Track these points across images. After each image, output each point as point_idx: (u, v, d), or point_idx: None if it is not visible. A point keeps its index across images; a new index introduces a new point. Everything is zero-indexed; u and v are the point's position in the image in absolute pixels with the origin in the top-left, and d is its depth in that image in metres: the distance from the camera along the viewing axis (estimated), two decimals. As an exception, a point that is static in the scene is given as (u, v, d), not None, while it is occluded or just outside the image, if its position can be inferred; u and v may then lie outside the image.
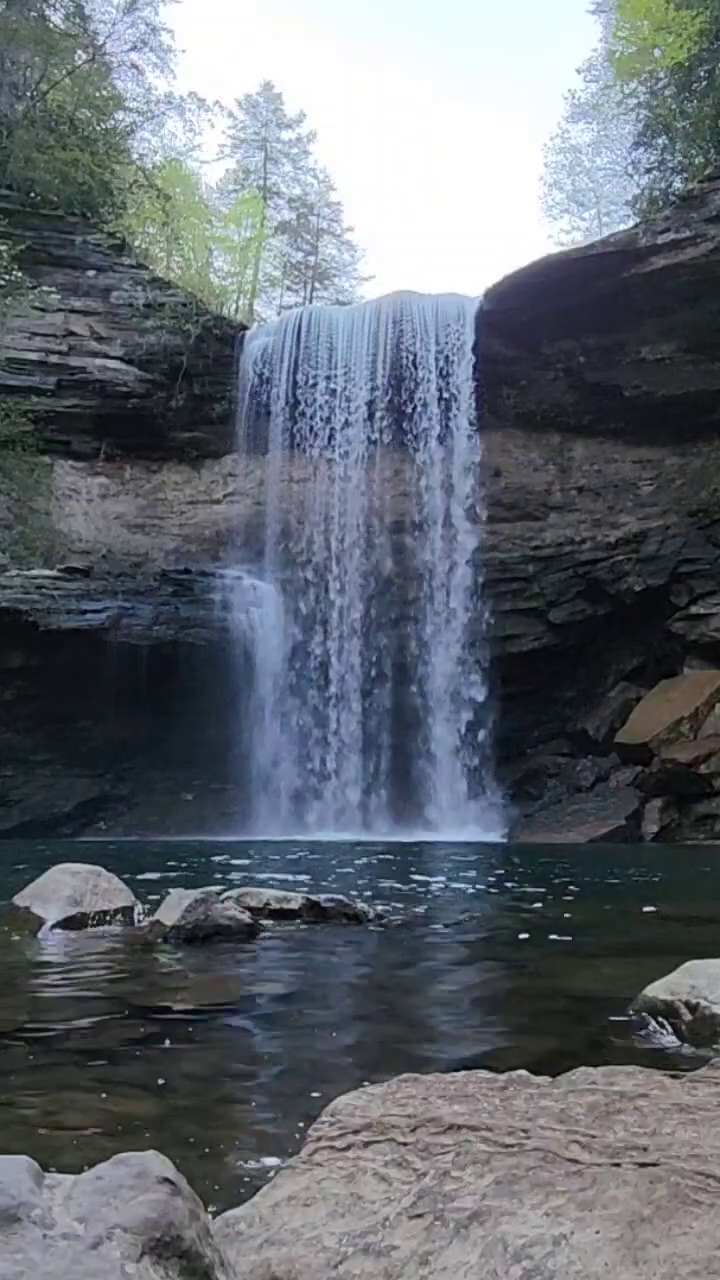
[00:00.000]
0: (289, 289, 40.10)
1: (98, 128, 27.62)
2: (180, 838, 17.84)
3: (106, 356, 23.18)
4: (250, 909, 4.72)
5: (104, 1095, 2.12)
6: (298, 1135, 1.42)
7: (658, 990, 2.70)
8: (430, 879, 8.60)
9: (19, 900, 4.71)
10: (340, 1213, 1.17)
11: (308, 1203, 1.20)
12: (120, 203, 27.00)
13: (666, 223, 20.72)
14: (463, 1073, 1.53)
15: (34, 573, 20.08)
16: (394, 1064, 2.14)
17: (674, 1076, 1.50)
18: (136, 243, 27.57)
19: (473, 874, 9.63)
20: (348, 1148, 1.29)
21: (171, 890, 4.73)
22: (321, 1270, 1.09)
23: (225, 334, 23.99)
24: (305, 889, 5.62)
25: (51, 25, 27.16)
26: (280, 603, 21.63)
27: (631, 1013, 2.75)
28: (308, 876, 8.44)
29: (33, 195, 23.79)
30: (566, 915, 5.80)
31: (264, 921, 4.70)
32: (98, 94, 28.23)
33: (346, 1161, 1.26)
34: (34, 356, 22.58)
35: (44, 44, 25.37)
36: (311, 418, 22.66)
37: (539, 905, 6.27)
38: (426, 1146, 1.26)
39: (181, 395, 23.20)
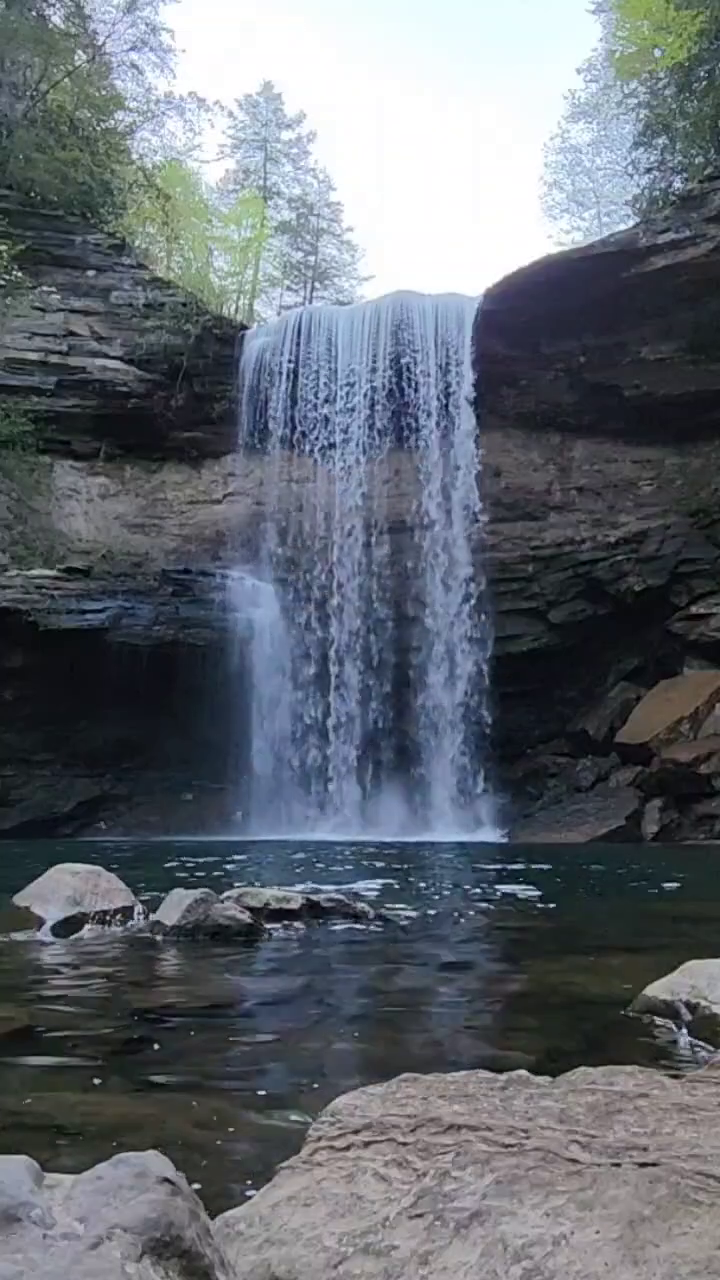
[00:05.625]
0: (289, 289, 40.12)
1: (98, 128, 27.64)
2: (180, 838, 17.84)
3: (106, 356, 23.18)
4: (250, 909, 4.72)
5: (104, 1095, 2.12)
6: (298, 1135, 1.42)
7: (658, 990, 2.70)
8: (430, 879, 8.60)
9: (19, 900, 4.71)
10: (340, 1213, 1.17)
11: (308, 1203, 1.20)
12: (120, 203, 27.02)
13: (666, 223, 20.73)
14: (463, 1073, 1.53)
15: (34, 573, 20.09)
16: (394, 1064, 2.14)
17: (674, 1076, 1.50)
18: (136, 243, 27.59)
19: (472, 874, 9.63)
20: (348, 1148, 1.29)
21: (172, 890, 4.73)
22: (321, 1270, 1.09)
23: (225, 334, 24.00)
24: (305, 889, 5.62)
25: (51, 25, 27.18)
26: (280, 603, 21.63)
27: (631, 1013, 2.75)
28: (308, 876, 8.44)
29: (33, 195, 23.80)
30: (566, 915, 5.80)
31: (264, 921, 4.69)
32: (98, 94, 28.25)
33: (346, 1161, 1.26)
34: (34, 356, 22.58)
35: (44, 44, 25.38)
36: (311, 418, 22.68)
37: (539, 905, 6.27)
38: (426, 1146, 1.26)
39: (181, 395, 23.20)
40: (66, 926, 4.51)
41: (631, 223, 23.98)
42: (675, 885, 8.60)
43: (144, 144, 31.08)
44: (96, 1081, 2.22)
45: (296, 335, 23.10)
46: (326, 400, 22.65)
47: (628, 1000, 2.81)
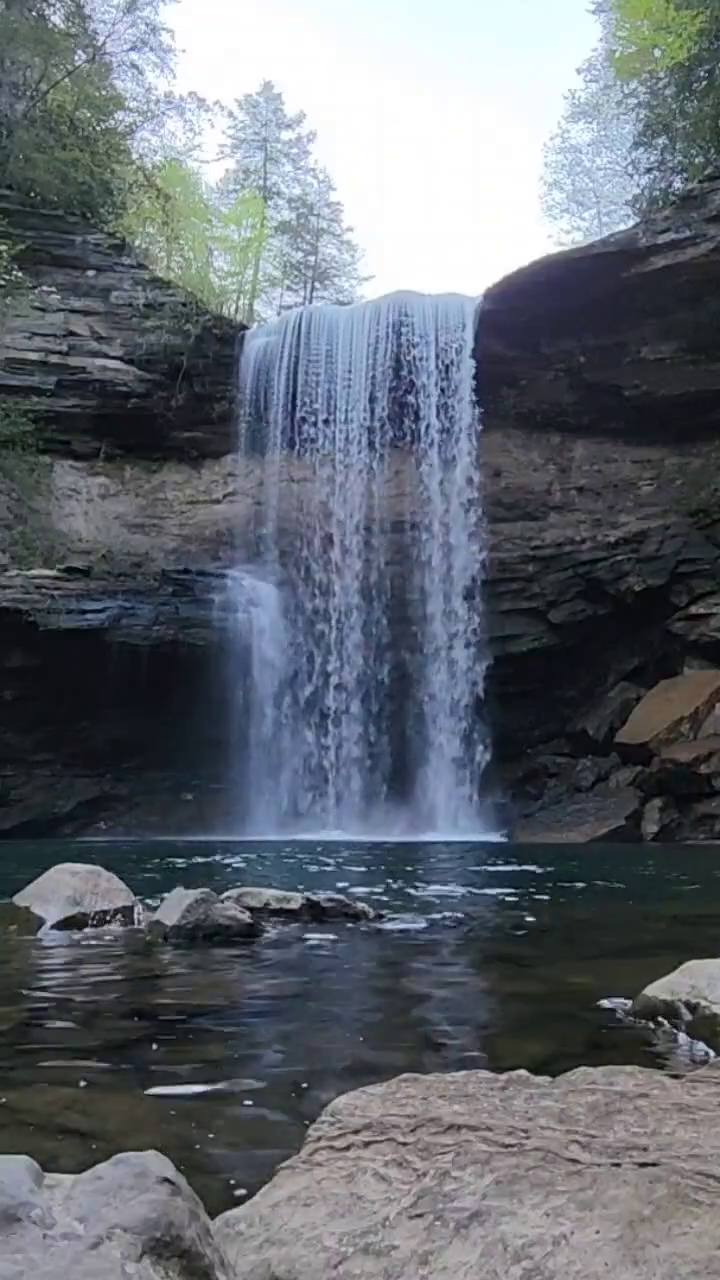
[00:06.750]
0: (289, 289, 40.12)
1: (98, 128, 27.65)
2: (180, 838, 17.84)
3: (106, 356, 23.18)
4: (250, 909, 4.72)
5: (104, 1095, 2.11)
6: (298, 1135, 1.42)
7: (658, 990, 2.70)
8: (430, 879, 8.60)
9: (19, 900, 4.71)
10: (340, 1213, 1.17)
11: (308, 1203, 1.20)
12: (120, 203, 27.03)
13: (666, 223, 20.74)
14: (463, 1073, 1.53)
15: (34, 573, 20.10)
16: (394, 1064, 2.14)
17: (674, 1076, 1.50)
18: (136, 243, 27.60)
19: (473, 874, 9.63)
20: (348, 1147, 1.29)
21: (172, 890, 4.73)
22: (321, 1270, 1.09)
23: (225, 334, 24.00)
24: (305, 889, 5.62)
25: (51, 25, 27.19)
26: (280, 603, 21.64)
27: (631, 1013, 2.75)
28: (308, 876, 8.44)
29: (33, 195, 23.81)
30: (566, 915, 5.81)
31: (264, 921, 4.69)
32: (98, 94, 28.26)
33: (346, 1161, 1.26)
34: (34, 356, 22.59)
35: (44, 44, 25.39)
36: (311, 418, 22.68)
37: (539, 905, 6.27)
38: (426, 1146, 1.26)
39: (181, 395, 23.21)
40: (66, 926, 4.51)
41: (631, 223, 23.98)
42: (675, 885, 8.61)
43: (144, 144, 31.15)
44: (96, 1081, 2.22)
45: (296, 335, 23.10)
46: (326, 400, 22.65)
47: (628, 1000, 2.81)
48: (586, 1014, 2.88)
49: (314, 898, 5.05)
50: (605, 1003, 2.94)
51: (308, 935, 4.58)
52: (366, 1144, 1.29)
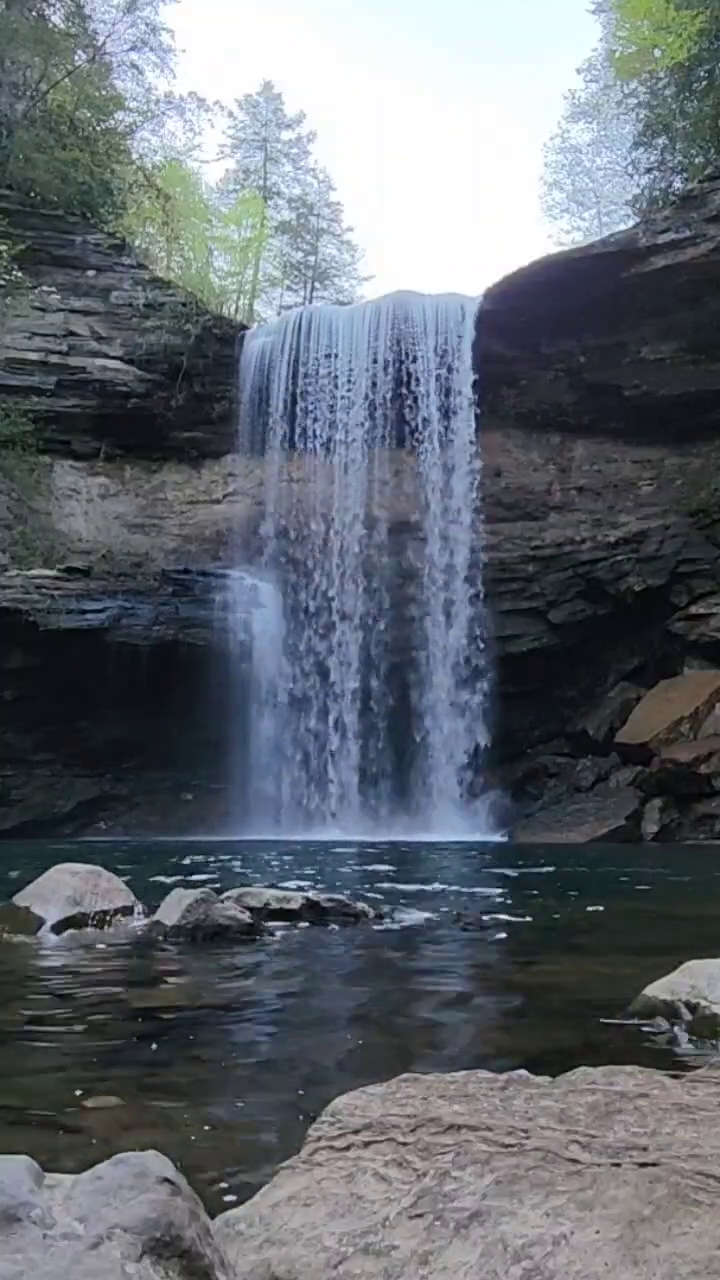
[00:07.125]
0: (289, 289, 40.10)
1: (98, 128, 27.63)
2: (180, 838, 17.84)
3: (106, 356, 23.18)
4: (250, 909, 4.72)
5: (104, 1095, 2.12)
6: (298, 1135, 1.42)
7: (658, 990, 2.70)
8: (430, 879, 8.59)
9: (19, 900, 4.71)
10: (340, 1213, 1.17)
11: (308, 1203, 1.20)
12: (120, 203, 27.02)
13: (666, 223, 20.73)
14: (463, 1073, 1.53)
15: (34, 573, 20.08)
16: (394, 1064, 2.14)
17: (674, 1076, 1.50)
18: (136, 243, 27.58)
19: (472, 874, 9.63)
20: (348, 1148, 1.29)
21: (172, 890, 4.73)
22: (321, 1270, 1.09)
23: (225, 334, 23.98)
24: (305, 889, 5.61)
25: (51, 25, 27.18)
26: (280, 603, 21.63)
27: (631, 1012, 2.75)
28: (308, 876, 8.44)
29: (33, 195, 23.80)
30: (566, 915, 5.80)
31: (264, 921, 4.70)
32: (98, 94, 28.24)
33: (346, 1161, 1.26)
34: (34, 356, 22.57)
35: (44, 44, 25.38)
36: (311, 417, 22.67)
37: (538, 905, 6.27)
38: (426, 1146, 1.25)
39: (181, 395, 23.19)
40: (66, 926, 4.51)
41: (631, 223, 23.97)
42: (675, 885, 8.61)
43: (144, 144, 31.12)
44: (96, 1081, 2.22)
45: (296, 335, 23.09)
46: (326, 400, 22.65)
47: (628, 1000, 2.81)
48: (586, 1013, 2.88)
49: (314, 898, 5.05)
50: (605, 1002, 2.94)
51: (308, 936, 4.58)
52: (366, 1144, 1.29)
